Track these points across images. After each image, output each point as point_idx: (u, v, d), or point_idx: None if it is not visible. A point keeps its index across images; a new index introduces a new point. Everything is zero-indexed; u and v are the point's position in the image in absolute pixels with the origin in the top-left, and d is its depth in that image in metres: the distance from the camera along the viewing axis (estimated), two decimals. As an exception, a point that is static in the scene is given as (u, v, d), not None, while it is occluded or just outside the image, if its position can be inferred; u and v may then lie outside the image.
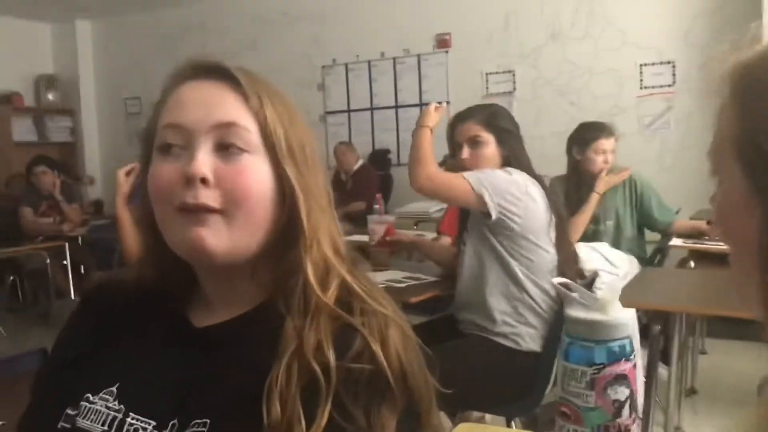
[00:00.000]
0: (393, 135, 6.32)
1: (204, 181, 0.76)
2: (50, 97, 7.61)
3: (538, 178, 2.33)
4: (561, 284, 0.90)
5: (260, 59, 6.59)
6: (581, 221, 3.30)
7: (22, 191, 5.95)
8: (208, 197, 0.76)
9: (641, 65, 5.21)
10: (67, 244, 5.31)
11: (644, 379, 2.13)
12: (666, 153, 5.16)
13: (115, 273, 0.98)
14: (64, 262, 5.29)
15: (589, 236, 3.33)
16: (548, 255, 2.24)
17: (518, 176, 2.26)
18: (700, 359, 3.76)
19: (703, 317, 3.83)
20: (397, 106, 6.30)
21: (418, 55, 6.12)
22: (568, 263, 2.27)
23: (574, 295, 0.88)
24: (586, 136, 3.41)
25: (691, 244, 3.20)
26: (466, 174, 2.24)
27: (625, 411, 0.86)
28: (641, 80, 5.23)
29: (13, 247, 5.10)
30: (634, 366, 0.86)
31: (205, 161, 0.76)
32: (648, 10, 5.14)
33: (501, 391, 2.20)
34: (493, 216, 2.19)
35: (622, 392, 0.86)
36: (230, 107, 0.79)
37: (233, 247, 0.77)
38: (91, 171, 7.86)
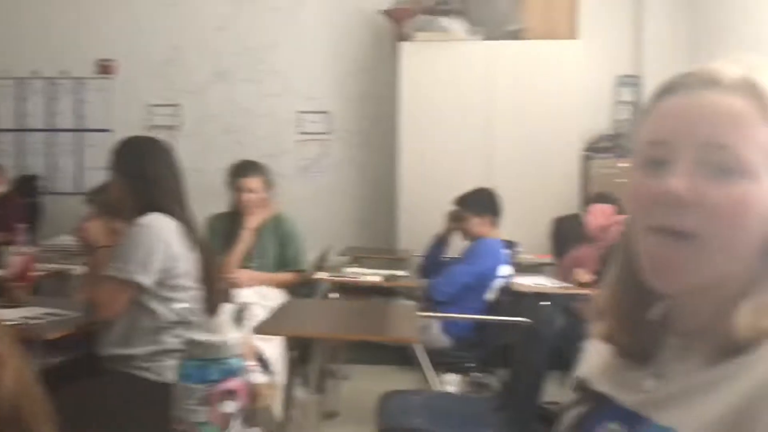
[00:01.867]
0: (43, 160, 5.82)
1: None
2: None
3: (179, 215, 2.33)
4: (183, 309, 0.96)
5: None
6: (235, 257, 3.42)
7: None
8: None
9: (300, 112, 5.61)
10: None
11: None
12: (320, 195, 5.60)
13: None
14: None
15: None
16: (193, 292, 2.30)
17: (152, 228, 2.23)
18: (343, 384, 4.10)
19: (347, 345, 4.21)
20: (51, 130, 5.83)
21: (78, 79, 5.77)
22: (216, 298, 2.35)
23: (194, 319, 0.95)
24: (232, 174, 3.60)
25: (334, 276, 3.53)
26: (109, 271, 2.18)
27: (235, 423, 0.94)
28: (300, 126, 5.63)
29: None
30: (245, 382, 0.96)
31: None
32: (308, 62, 5.59)
33: (147, 425, 2.17)
34: (151, 286, 2.20)
35: (232, 406, 0.95)
36: None
37: None
38: None
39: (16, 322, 2.24)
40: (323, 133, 5.62)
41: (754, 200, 0.69)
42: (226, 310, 0.92)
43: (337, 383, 3.89)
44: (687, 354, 0.75)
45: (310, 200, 5.51)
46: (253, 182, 3.53)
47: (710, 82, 0.74)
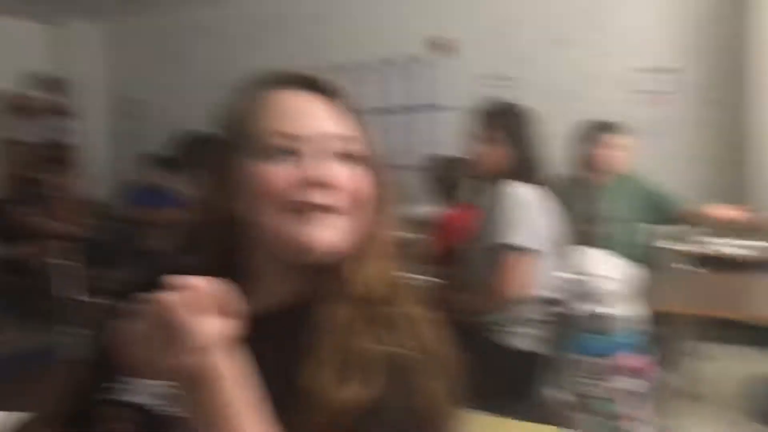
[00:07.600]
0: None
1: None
2: (45, 96, 7.49)
3: (540, 182, 2.36)
4: (573, 281, 0.95)
5: (263, 60, 6.57)
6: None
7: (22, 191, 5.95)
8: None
9: (638, 71, 5.21)
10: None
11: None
12: (666, 158, 5.10)
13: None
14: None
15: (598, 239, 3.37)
16: (552, 258, 2.30)
17: (526, 198, 2.30)
18: (708, 365, 3.74)
19: (711, 323, 3.83)
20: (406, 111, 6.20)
21: (412, 59, 6.10)
22: (568, 263, 2.32)
23: (587, 288, 0.93)
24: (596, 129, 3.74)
25: (697, 249, 3.24)
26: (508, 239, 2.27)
27: (635, 403, 0.90)
28: (639, 86, 5.23)
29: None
30: (648, 361, 0.91)
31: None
32: (646, 17, 5.17)
33: (506, 393, 2.24)
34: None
35: (634, 384, 0.91)
36: None
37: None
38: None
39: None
40: (665, 93, 5.17)
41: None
42: (620, 282, 0.88)
43: (701, 364, 3.56)
44: None
45: (655, 164, 5.14)
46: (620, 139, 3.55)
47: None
